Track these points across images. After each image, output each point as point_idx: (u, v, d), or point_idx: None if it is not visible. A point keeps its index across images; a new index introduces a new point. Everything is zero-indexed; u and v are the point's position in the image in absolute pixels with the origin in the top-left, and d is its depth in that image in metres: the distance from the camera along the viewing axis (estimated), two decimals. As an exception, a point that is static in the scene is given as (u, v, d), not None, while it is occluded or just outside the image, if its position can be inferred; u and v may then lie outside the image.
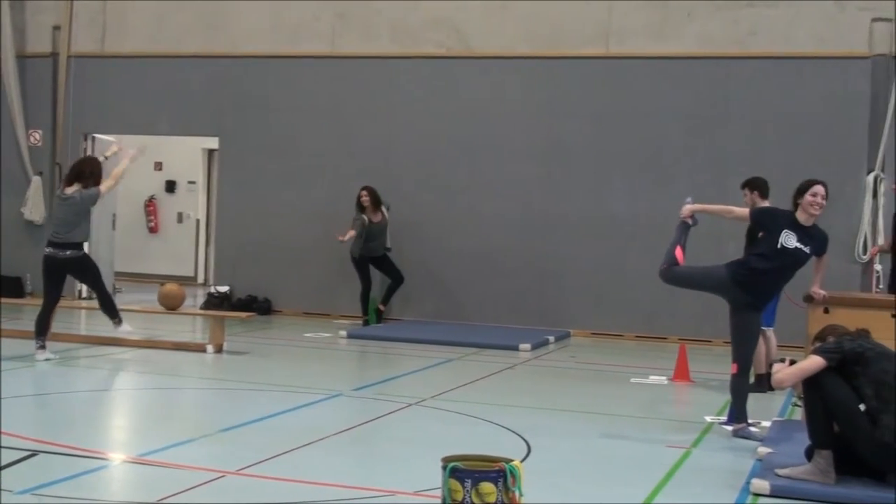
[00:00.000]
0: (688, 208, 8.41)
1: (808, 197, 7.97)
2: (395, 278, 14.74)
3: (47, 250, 11.02)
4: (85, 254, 11.28)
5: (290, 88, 15.89)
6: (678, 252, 8.29)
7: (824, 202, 8.00)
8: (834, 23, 13.90)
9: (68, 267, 11.10)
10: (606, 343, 14.09)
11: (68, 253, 10.92)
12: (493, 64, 15.13)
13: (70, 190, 10.96)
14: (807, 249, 8.01)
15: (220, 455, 6.92)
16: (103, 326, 13.69)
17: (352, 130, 15.57)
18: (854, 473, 6.41)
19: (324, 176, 15.58)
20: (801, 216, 8.02)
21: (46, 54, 17.06)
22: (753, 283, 8.04)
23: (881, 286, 13.03)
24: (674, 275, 8.39)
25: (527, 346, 12.82)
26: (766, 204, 10.33)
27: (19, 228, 17.00)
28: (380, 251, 14.63)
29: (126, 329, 11.59)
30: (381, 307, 14.76)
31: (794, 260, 8.01)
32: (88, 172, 11.03)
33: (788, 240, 7.94)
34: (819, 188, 7.99)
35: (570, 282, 14.75)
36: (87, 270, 11.33)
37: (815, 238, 8.07)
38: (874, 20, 13.74)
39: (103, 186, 11.10)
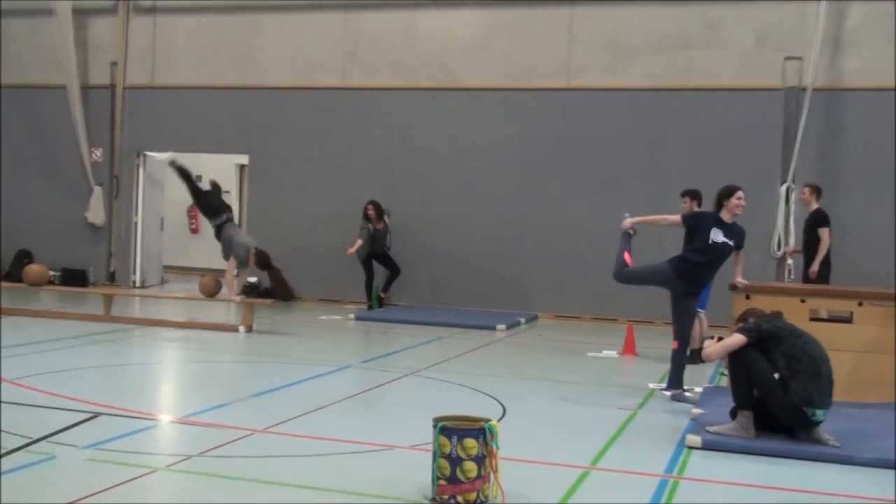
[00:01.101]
0: (627, 222, 8.43)
1: (734, 200, 8.05)
2: (394, 270, 14.71)
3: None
4: None
5: (307, 114, 15.86)
6: (626, 256, 8.31)
7: (745, 204, 8.09)
8: (753, 61, 13.94)
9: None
10: (568, 324, 14.10)
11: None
12: (475, 94, 15.12)
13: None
14: (731, 243, 8.08)
15: (250, 416, 6.92)
16: (154, 310, 13.70)
17: (358, 148, 15.55)
18: (769, 430, 6.45)
19: (335, 186, 15.55)
20: (725, 216, 8.09)
21: (106, 86, 16.98)
22: (692, 273, 8.09)
23: (792, 277, 13.09)
24: (625, 275, 8.41)
25: (502, 326, 12.83)
26: (698, 210, 10.38)
27: (83, 230, 16.94)
28: (380, 249, 14.61)
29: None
30: (383, 294, 14.74)
31: (722, 252, 8.08)
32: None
33: (717, 236, 8.00)
34: (742, 192, 8.11)
35: (538, 273, 14.75)
36: None
37: (736, 233, 8.14)
38: (786, 59, 13.78)
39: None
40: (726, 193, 8.11)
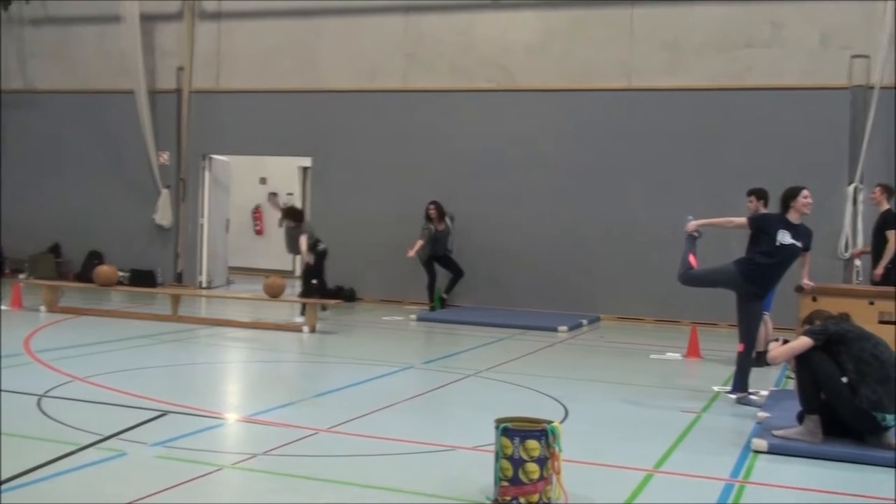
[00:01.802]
0: (692, 224, 8.31)
1: (800, 200, 7.90)
2: (456, 272, 14.69)
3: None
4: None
5: (369, 117, 15.94)
6: (691, 258, 8.21)
7: (812, 202, 7.94)
8: (818, 60, 13.69)
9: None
10: (630, 325, 13.98)
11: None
12: (534, 96, 15.07)
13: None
14: (800, 244, 7.93)
15: (314, 415, 6.97)
16: (220, 311, 13.88)
17: (419, 150, 15.58)
18: (837, 434, 6.33)
19: (396, 188, 15.60)
20: (792, 216, 7.93)
21: (172, 90, 17.24)
22: (759, 276, 7.95)
23: (860, 279, 12.83)
24: (690, 277, 8.29)
25: (564, 327, 12.76)
26: (765, 210, 10.22)
27: (151, 231, 17.22)
28: (442, 252, 14.60)
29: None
30: (445, 296, 14.72)
31: (790, 254, 7.94)
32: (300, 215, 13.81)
33: (785, 237, 7.86)
34: (807, 191, 7.96)
35: (601, 274, 14.65)
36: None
37: (804, 234, 7.99)
38: (853, 57, 13.51)
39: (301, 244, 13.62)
40: (792, 194, 7.96)
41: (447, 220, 14.56)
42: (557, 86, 14.93)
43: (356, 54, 16.08)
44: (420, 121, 15.65)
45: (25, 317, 12.18)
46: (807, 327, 6.61)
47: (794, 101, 13.72)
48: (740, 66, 14.07)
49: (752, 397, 7.95)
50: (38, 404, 6.91)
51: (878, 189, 11.38)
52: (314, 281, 14.00)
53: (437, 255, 14.54)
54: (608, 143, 14.64)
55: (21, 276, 17.00)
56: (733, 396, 8.07)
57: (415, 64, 15.79)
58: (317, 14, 16.33)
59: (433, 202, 14.44)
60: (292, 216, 13.91)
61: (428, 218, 14.40)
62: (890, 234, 10.97)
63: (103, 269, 13.46)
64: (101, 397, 7.25)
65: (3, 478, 4.95)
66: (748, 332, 8.07)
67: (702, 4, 14.27)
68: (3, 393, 7.20)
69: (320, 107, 16.21)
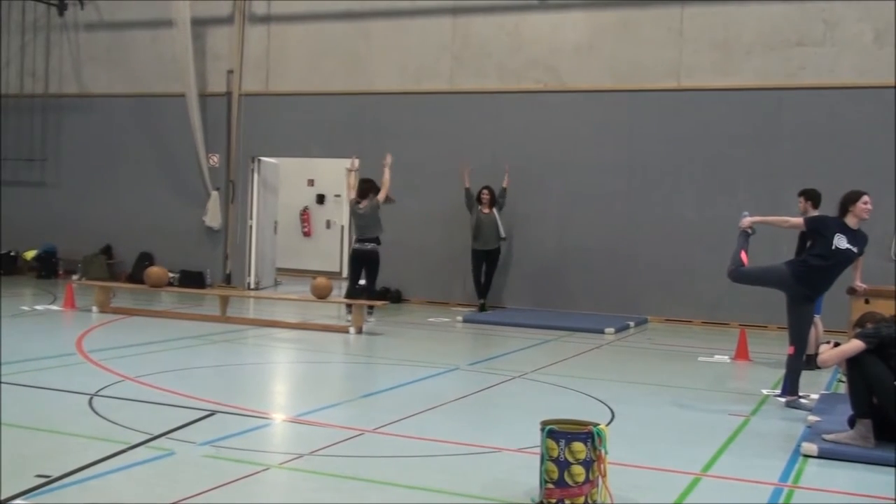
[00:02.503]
0: (746, 220, 8.23)
1: (860, 205, 7.77)
2: (487, 276, 14.58)
3: (355, 246, 12.94)
4: (377, 248, 12.96)
5: (416, 119, 15.99)
6: (742, 255, 8.11)
7: (871, 208, 7.81)
8: (872, 58, 13.47)
9: (364, 256, 12.83)
10: (678, 328, 13.86)
11: (368, 246, 12.81)
12: (582, 96, 15.00)
13: (363, 203, 12.88)
14: (855, 249, 7.81)
15: (360, 416, 7.00)
16: (268, 311, 14.00)
17: (466, 152, 15.55)
18: (889, 439, 6.21)
19: (443, 189, 15.60)
20: (850, 221, 7.80)
21: (222, 93, 17.43)
22: (811, 278, 7.84)
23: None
24: (740, 274, 8.21)
25: (611, 329, 12.69)
26: (816, 212, 10.06)
27: (201, 233, 17.41)
28: (490, 244, 14.45)
29: (370, 321, 12.60)
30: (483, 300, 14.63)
31: (845, 258, 7.81)
32: (369, 188, 12.99)
33: (841, 242, 7.74)
34: (868, 197, 7.82)
35: (648, 276, 14.55)
36: (374, 263, 12.88)
37: (860, 239, 7.86)
38: (908, 55, 13.30)
39: (380, 195, 12.95)
40: (852, 198, 7.82)
41: (495, 210, 14.46)
42: (606, 86, 14.85)
43: (403, 56, 16.14)
44: (467, 122, 15.65)
45: (78, 317, 12.39)
46: (858, 330, 6.51)
47: (847, 101, 13.52)
48: (792, 66, 13.89)
49: (802, 401, 7.85)
50: (90, 403, 7.01)
51: None
52: (361, 282, 14.04)
53: (483, 250, 14.43)
54: (657, 143, 14.53)
55: (74, 277, 17.29)
56: (783, 400, 7.97)
57: (462, 65, 15.80)
58: (364, 16, 16.41)
59: (486, 187, 14.45)
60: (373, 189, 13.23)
61: (479, 202, 14.42)
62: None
63: (154, 271, 13.63)
64: (151, 397, 7.35)
65: (57, 475, 5.03)
66: (799, 334, 7.96)
67: (752, 3, 14.11)
68: (56, 392, 7.33)
69: (368, 109, 16.29)
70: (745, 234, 8.21)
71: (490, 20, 15.63)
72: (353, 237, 13.28)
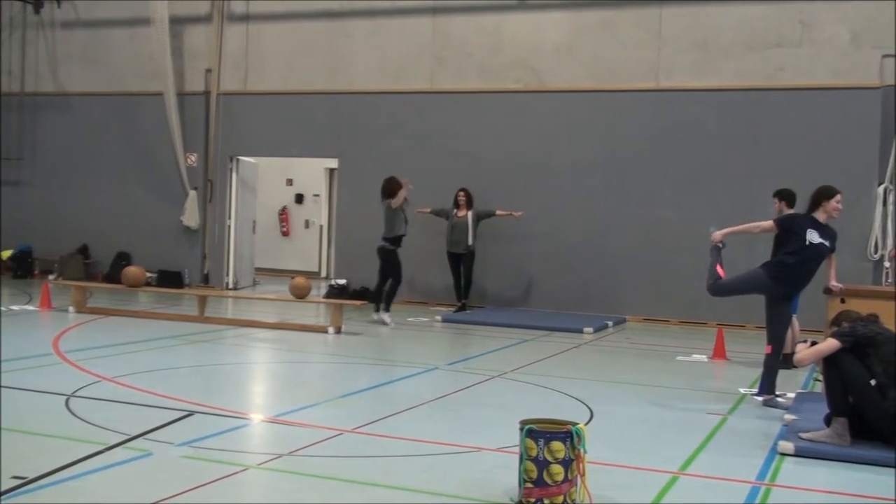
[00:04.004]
0: (717, 235, 8.23)
1: (833, 203, 7.86)
2: (466, 279, 14.52)
3: (381, 243, 13.13)
4: (390, 247, 13.06)
5: (396, 118, 15.99)
6: (718, 269, 8.14)
7: (842, 207, 7.90)
8: (849, 59, 13.59)
9: (378, 253, 13.06)
10: (656, 327, 13.93)
11: (381, 243, 13.07)
12: (563, 97, 15.05)
13: (383, 203, 13.11)
14: (827, 244, 7.88)
15: (339, 416, 6.99)
16: (246, 311, 13.96)
17: (446, 152, 15.60)
18: (865, 438, 6.28)
19: (424, 190, 15.54)
20: (820, 216, 7.89)
21: (200, 92, 17.37)
22: (789, 277, 7.90)
23: (890, 280, 12.71)
24: (719, 288, 8.21)
25: (589, 329, 12.74)
26: (792, 212, 10.15)
27: (178, 232, 17.34)
28: (460, 247, 14.37)
29: (386, 320, 12.75)
30: (464, 301, 14.62)
31: (818, 253, 7.88)
32: (388, 189, 13.08)
33: (813, 237, 7.81)
34: (840, 196, 7.90)
35: (626, 275, 14.61)
36: (391, 261, 13.05)
37: (830, 234, 7.95)
38: (884, 56, 13.40)
39: (394, 201, 13.07)
40: (827, 195, 7.90)
41: (470, 214, 14.45)
42: (586, 87, 14.91)
43: (383, 56, 16.13)
44: (447, 122, 15.66)
45: (55, 317, 12.32)
46: (835, 329, 6.57)
47: (825, 101, 13.63)
48: (770, 67, 13.99)
49: (779, 399, 7.90)
50: (67, 404, 6.98)
51: None
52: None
53: (454, 253, 14.43)
54: (636, 144, 14.60)
55: (50, 276, 17.19)
56: (760, 399, 8.03)
57: (442, 65, 15.81)
58: (344, 16, 16.39)
59: (463, 189, 14.48)
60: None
61: (456, 204, 14.44)
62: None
63: (131, 270, 13.57)
64: (129, 397, 7.32)
65: (32, 477, 5.00)
66: (776, 333, 8.03)
67: (731, 4, 14.21)
68: (32, 393, 7.29)
69: (347, 108, 16.27)
70: (717, 248, 8.23)
71: (470, 20, 15.65)
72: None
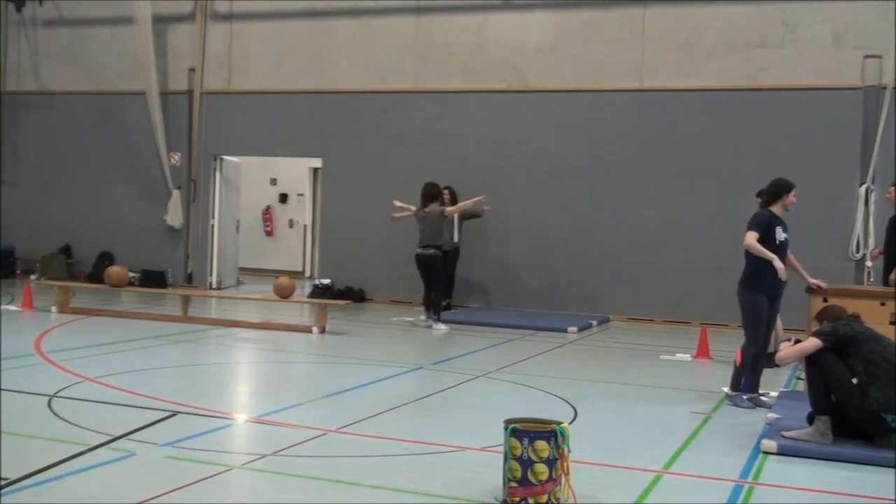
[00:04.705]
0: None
1: (791, 197, 7.99)
2: (444, 286, 14.27)
3: (417, 251, 12.88)
4: (439, 254, 12.93)
5: (380, 118, 15.97)
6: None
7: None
8: (832, 60, 13.67)
9: (427, 262, 12.77)
10: (640, 326, 13.96)
11: (430, 251, 12.75)
12: (546, 97, 15.07)
13: (428, 209, 12.84)
14: (787, 236, 7.92)
15: (323, 416, 6.99)
16: (230, 311, 13.92)
17: (430, 151, 15.59)
18: (847, 436, 6.32)
19: (407, 189, 15.52)
20: (777, 210, 7.96)
21: (184, 92, 17.29)
22: (767, 279, 7.86)
23: (871, 279, 12.77)
24: (761, 350, 8.08)
25: (574, 328, 12.76)
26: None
27: (162, 232, 17.26)
28: (447, 245, 13.98)
29: (440, 327, 12.63)
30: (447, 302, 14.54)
31: (786, 248, 7.95)
32: (432, 195, 12.96)
33: (780, 234, 7.88)
34: (795, 188, 8.02)
35: (610, 275, 14.64)
36: (436, 268, 12.87)
37: (786, 227, 8.00)
38: (866, 57, 13.48)
39: (448, 210, 13.13)
40: (786, 188, 7.99)
41: (435, 208, 14.03)
42: (569, 86, 14.93)
43: (367, 55, 16.11)
44: (431, 122, 15.66)
45: (37, 317, 12.25)
46: (816, 328, 6.60)
47: (807, 102, 13.69)
48: (753, 67, 14.05)
49: (762, 398, 7.94)
50: (49, 405, 6.94)
51: (893, 188, 11.13)
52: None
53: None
54: (619, 143, 14.63)
55: (32, 276, 17.10)
56: (744, 397, 8.00)
57: (426, 65, 15.81)
58: (328, 15, 16.36)
59: (448, 187, 14.38)
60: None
61: (441, 202, 14.27)
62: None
63: (114, 270, 13.51)
64: (112, 398, 7.29)
65: (14, 478, 4.98)
66: (760, 333, 7.99)
67: (714, 4, 14.26)
68: (14, 394, 7.25)
69: (331, 108, 16.24)
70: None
71: (454, 20, 15.65)
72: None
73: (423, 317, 13.13)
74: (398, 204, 13.63)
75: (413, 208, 13.40)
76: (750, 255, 7.91)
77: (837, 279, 12.04)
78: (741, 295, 7.97)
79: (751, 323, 7.94)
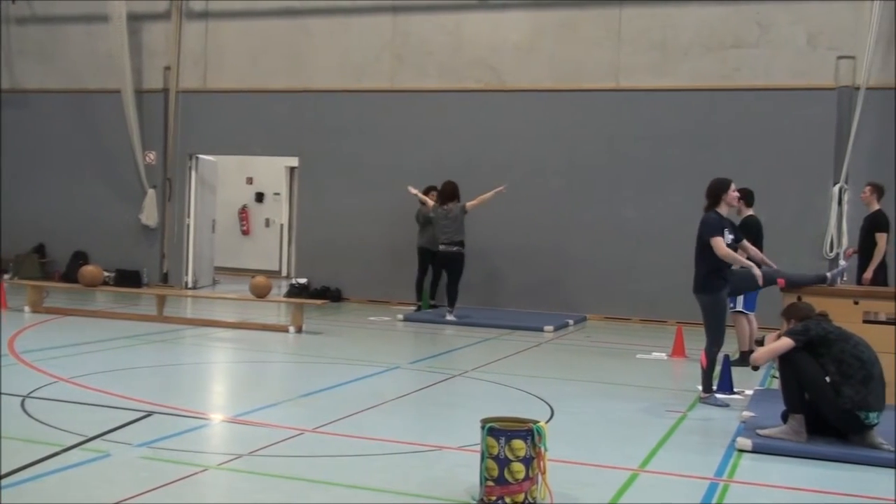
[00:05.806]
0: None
1: (731, 193, 8.03)
2: (443, 278, 14.30)
3: (440, 248, 13.25)
4: (462, 251, 13.28)
5: (357, 117, 15.94)
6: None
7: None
8: (806, 60, 13.77)
9: (452, 258, 13.19)
10: (616, 325, 14.01)
11: (454, 249, 13.15)
12: (523, 96, 15.10)
13: (449, 206, 13.15)
14: (733, 237, 7.99)
15: (299, 416, 6.98)
16: (206, 311, 13.86)
17: (407, 151, 15.59)
18: (821, 434, 6.37)
19: (384, 188, 15.58)
20: (723, 210, 8.01)
21: (159, 90, 17.19)
22: (724, 277, 7.90)
23: (845, 278, 12.86)
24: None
25: (550, 327, 12.79)
26: (750, 211, 10.26)
27: (137, 231, 17.16)
28: (436, 246, 13.76)
29: (451, 319, 13.06)
30: (432, 301, 14.56)
31: (735, 251, 7.98)
32: (453, 193, 13.24)
33: (727, 235, 7.92)
34: (732, 183, 8.07)
35: (587, 274, 14.68)
36: (459, 265, 13.28)
37: (735, 227, 8.05)
38: (839, 58, 13.59)
39: (469, 204, 13.23)
40: (724, 187, 8.04)
41: (456, 206, 13.54)
42: (546, 86, 14.97)
43: (344, 54, 16.08)
44: (408, 121, 15.65)
45: (10, 317, 12.14)
46: (786, 327, 6.64)
47: (781, 102, 13.79)
48: (728, 67, 14.14)
49: (718, 397, 7.97)
50: (23, 405, 6.89)
51: (868, 188, 11.20)
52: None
53: (432, 251, 13.92)
54: (596, 143, 14.68)
55: (5, 276, 16.93)
56: (716, 395, 8.06)
57: (403, 64, 15.80)
58: (304, 14, 16.32)
59: (450, 182, 13.77)
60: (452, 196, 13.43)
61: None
62: (879, 237, 10.91)
63: (88, 270, 13.42)
64: (86, 398, 7.24)
65: (-13, 478, 4.95)
66: (722, 331, 8.03)
67: (689, 5, 14.34)
68: (-13, 393, 7.20)
69: (307, 107, 16.20)
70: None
71: (430, 19, 15.65)
72: (434, 239, 13.62)
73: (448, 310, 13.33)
74: (413, 191, 13.90)
75: (431, 202, 13.58)
76: (703, 257, 7.87)
77: (811, 278, 12.12)
78: (703, 299, 7.93)
79: (715, 324, 7.96)
